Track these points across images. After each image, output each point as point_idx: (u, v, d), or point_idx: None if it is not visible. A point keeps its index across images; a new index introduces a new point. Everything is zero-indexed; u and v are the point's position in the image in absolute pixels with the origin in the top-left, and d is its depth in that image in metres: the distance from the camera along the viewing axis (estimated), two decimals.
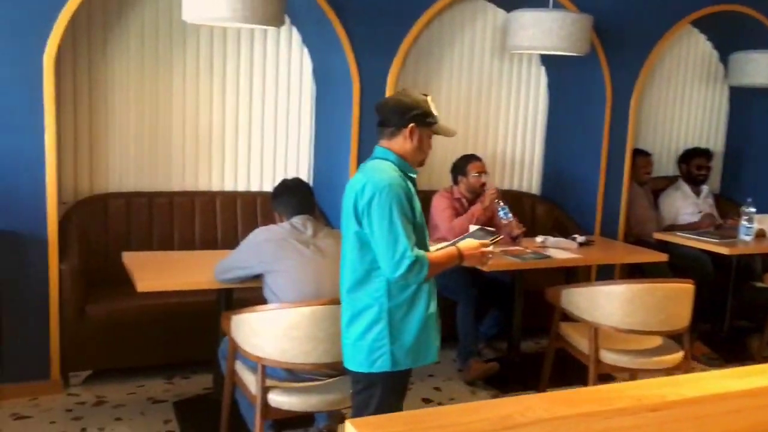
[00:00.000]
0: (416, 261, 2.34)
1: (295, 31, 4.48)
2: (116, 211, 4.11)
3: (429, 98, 2.50)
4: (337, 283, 2.68)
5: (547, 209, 5.20)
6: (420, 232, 2.47)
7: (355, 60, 4.09)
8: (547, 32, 3.91)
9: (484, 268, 2.66)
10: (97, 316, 3.70)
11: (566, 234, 4.58)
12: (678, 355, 3.45)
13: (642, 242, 5.09)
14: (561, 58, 4.85)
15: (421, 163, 2.55)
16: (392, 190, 2.36)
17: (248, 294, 3.27)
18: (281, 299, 2.85)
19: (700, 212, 5.45)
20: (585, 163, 5.02)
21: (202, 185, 4.42)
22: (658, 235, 4.92)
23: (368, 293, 2.47)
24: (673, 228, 5.36)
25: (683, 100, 5.87)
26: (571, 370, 3.78)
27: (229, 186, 4.49)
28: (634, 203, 5.20)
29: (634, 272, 5.03)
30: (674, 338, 3.55)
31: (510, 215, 4.07)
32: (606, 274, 4.92)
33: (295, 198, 3.06)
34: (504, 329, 4.45)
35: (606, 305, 3.36)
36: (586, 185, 5.02)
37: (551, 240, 4.29)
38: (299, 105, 4.59)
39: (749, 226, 4.66)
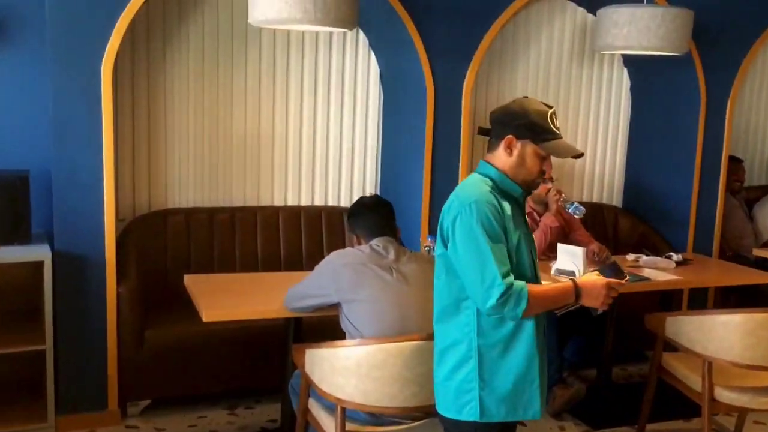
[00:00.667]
0: (510, 291, 2.00)
1: (361, 34, 4.19)
2: (175, 228, 3.87)
3: (550, 111, 2.14)
4: (424, 313, 2.39)
5: (630, 223, 4.80)
6: (524, 261, 2.14)
7: (429, 63, 3.77)
8: (644, 30, 3.53)
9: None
10: (156, 341, 3.45)
11: (655, 251, 4.19)
12: None
13: (740, 259, 4.66)
14: (647, 59, 4.45)
15: (530, 185, 2.20)
16: (479, 207, 2.04)
17: (320, 319, 2.97)
18: (361, 332, 2.54)
19: None
20: (674, 172, 4.60)
21: (265, 200, 4.16)
22: (759, 252, 4.48)
23: (457, 326, 2.15)
24: None
25: None
26: (670, 402, 3.40)
27: (292, 200, 4.22)
28: (728, 216, 4.76)
29: (729, 294, 4.59)
30: None
31: (581, 208, 3.68)
32: (700, 296, 4.49)
33: (374, 218, 2.74)
34: (588, 357, 4.07)
35: (723, 337, 2.96)
36: (676, 197, 4.61)
37: (645, 259, 3.89)
38: (366, 114, 4.30)
39: None
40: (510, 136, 2.13)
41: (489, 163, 2.19)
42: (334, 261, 2.67)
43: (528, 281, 2.10)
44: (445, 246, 2.13)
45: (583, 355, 4.11)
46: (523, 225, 2.17)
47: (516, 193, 2.18)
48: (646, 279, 3.55)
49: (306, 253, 4.05)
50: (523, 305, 2.03)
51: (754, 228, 4.99)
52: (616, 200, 5.01)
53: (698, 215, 4.53)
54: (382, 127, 4.30)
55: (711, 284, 4.06)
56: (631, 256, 3.97)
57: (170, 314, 3.55)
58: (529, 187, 2.20)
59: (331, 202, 4.29)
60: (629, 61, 4.77)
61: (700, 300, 4.49)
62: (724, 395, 3.03)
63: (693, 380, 3.13)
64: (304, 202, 4.24)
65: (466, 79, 3.87)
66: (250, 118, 4.06)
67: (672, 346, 3.23)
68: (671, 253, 3.99)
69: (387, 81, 4.23)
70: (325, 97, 4.20)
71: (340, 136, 4.26)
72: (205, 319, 2.74)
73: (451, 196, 2.16)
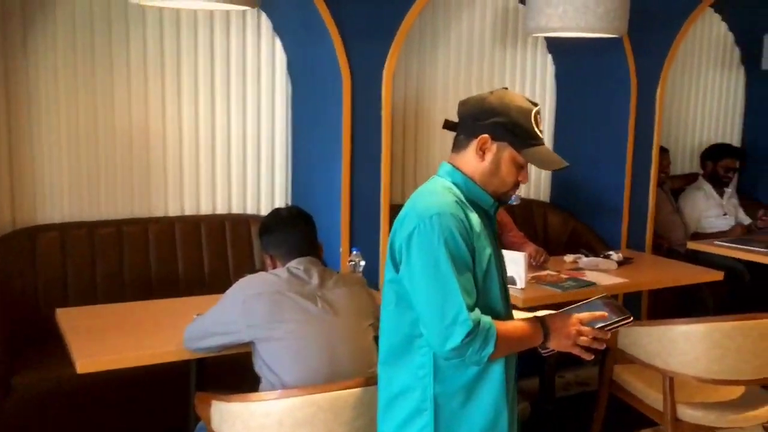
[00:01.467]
0: (476, 330, 1.59)
1: (264, 16, 3.67)
2: (47, 249, 3.23)
3: (535, 110, 1.73)
4: (360, 352, 1.95)
5: (561, 219, 4.50)
6: (494, 291, 1.72)
7: (345, 50, 3.30)
8: (582, 9, 3.18)
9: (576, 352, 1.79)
10: (27, 389, 2.82)
11: (589, 248, 3.90)
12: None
13: (672, 253, 4.45)
14: (574, 43, 4.13)
15: (501, 198, 1.78)
16: (442, 221, 1.62)
17: (232, 357, 2.45)
18: (281, 378, 2.06)
19: (725, 214, 4.85)
20: (605, 164, 4.33)
21: (157, 210, 3.58)
22: (693, 245, 4.28)
23: (409, 369, 1.73)
24: (698, 236, 4.74)
25: (699, 89, 5.26)
26: (619, 416, 3.12)
27: (189, 209, 3.65)
28: (658, 208, 4.54)
29: (665, 293, 4.37)
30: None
31: (517, 195, 3.29)
32: (635, 296, 4.24)
33: (292, 234, 2.26)
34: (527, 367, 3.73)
35: (686, 350, 2.65)
36: (607, 189, 4.34)
37: (585, 261, 3.58)
38: (272, 107, 3.77)
39: None
40: (485, 135, 1.71)
41: (454, 166, 1.75)
42: (244, 290, 2.17)
43: (498, 317, 1.68)
44: (396, 270, 1.69)
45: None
46: (493, 243, 1.75)
47: (486, 205, 1.76)
48: (592, 284, 3.22)
49: (209, 270, 3.51)
50: (490, 348, 1.62)
51: (681, 219, 4.81)
52: (544, 195, 4.71)
53: (631, 209, 4.28)
54: (291, 121, 3.80)
55: (655, 286, 3.77)
56: (569, 258, 3.66)
57: (43, 355, 2.93)
58: (499, 199, 1.77)
59: (235, 210, 3.75)
60: (553, 45, 4.46)
61: (635, 300, 4.25)
62: (687, 414, 2.73)
63: (652, 397, 2.82)
64: (204, 210, 3.69)
65: (385, 67, 3.42)
66: (135, 114, 3.47)
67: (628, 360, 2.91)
68: (610, 252, 3.71)
69: (295, 69, 3.72)
70: (224, 89, 3.65)
71: (244, 133, 3.73)
72: (79, 371, 2.18)
73: (406, 207, 1.72)
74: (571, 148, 4.51)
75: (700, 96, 5.27)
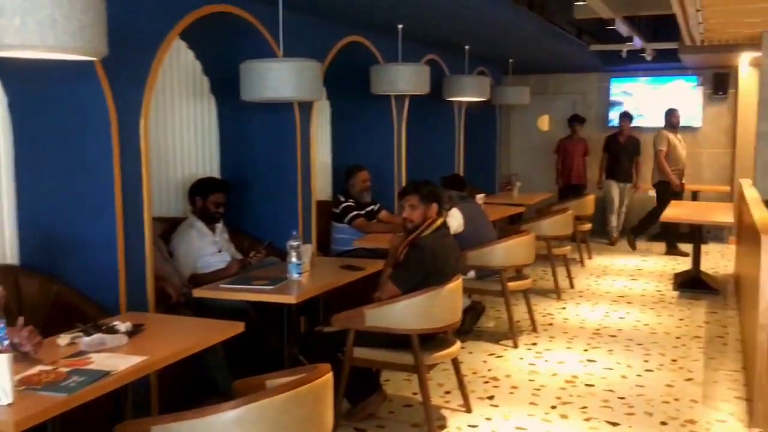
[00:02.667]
0: None
1: None
2: None
3: None
4: None
5: (39, 285, 3.57)
6: None
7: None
8: (48, 23, 2.42)
9: None
10: None
11: (87, 319, 3.15)
12: None
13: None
14: (33, 66, 3.28)
15: None
16: None
17: None
18: None
19: (220, 251, 4.62)
20: (91, 212, 3.60)
21: None
22: (199, 292, 3.88)
23: None
24: (197, 278, 4.39)
25: (177, 120, 4.91)
26: None
27: None
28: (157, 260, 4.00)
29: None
30: None
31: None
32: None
33: None
34: None
35: None
36: (94, 245, 3.61)
37: (86, 340, 2.82)
38: None
39: (299, 262, 4.02)
40: None
41: None
42: None
43: None
44: None
45: None
46: None
47: None
48: (106, 373, 2.51)
49: None
50: None
51: (176, 264, 4.39)
52: (12, 257, 3.71)
53: (128, 262, 3.64)
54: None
55: (194, 350, 3.09)
56: (64, 339, 2.85)
57: None
58: None
59: None
60: (6, 69, 3.52)
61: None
62: None
63: None
64: None
65: None
66: None
67: None
68: (115, 323, 3.02)
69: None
70: None
71: None
72: None
73: None
74: (43, 196, 3.66)
75: (180, 127, 4.94)
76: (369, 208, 6.08)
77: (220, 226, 4.70)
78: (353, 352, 3.72)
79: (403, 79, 5.58)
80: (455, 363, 4.08)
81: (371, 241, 5.47)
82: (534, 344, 5.34)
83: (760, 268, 3.78)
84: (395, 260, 3.96)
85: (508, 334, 5.40)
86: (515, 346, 5.25)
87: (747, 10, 6.06)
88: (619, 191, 9.57)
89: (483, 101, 7.96)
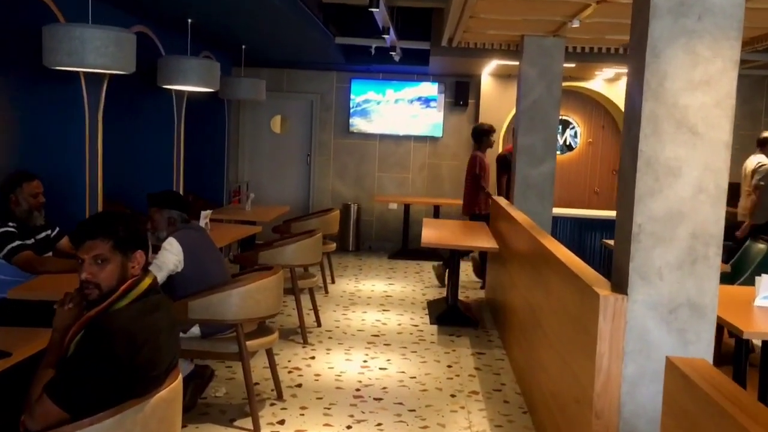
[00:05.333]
0: None
1: None
2: None
3: None
4: None
5: None
6: None
7: None
8: None
9: None
10: None
11: None
12: None
13: None
14: None
15: None
16: None
17: None
18: None
19: None
20: None
21: None
22: None
23: None
24: None
25: None
26: None
27: None
28: None
29: None
30: None
31: None
32: None
33: None
34: None
35: None
36: None
37: None
38: None
39: None
40: None
41: None
42: None
43: None
44: None
45: None
46: None
47: None
48: None
49: None
50: None
51: None
52: None
53: None
54: None
55: None
56: None
57: None
58: None
59: None
60: None
61: None
62: None
63: None
64: None
65: None
66: None
67: None
68: None
69: None
70: None
71: None
72: None
73: None
74: None
75: None
76: (42, 235, 4.20)
77: None
78: None
79: (95, 49, 3.82)
80: None
81: (39, 288, 3.63)
82: (281, 422, 3.95)
83: (597, 340, 2.79)
84: (60, 352, 2.26)
85: (246, 408, 3.94)
86: (255, 430, 3.80)
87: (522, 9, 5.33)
88: None
89: (209, 93, 6.39)
